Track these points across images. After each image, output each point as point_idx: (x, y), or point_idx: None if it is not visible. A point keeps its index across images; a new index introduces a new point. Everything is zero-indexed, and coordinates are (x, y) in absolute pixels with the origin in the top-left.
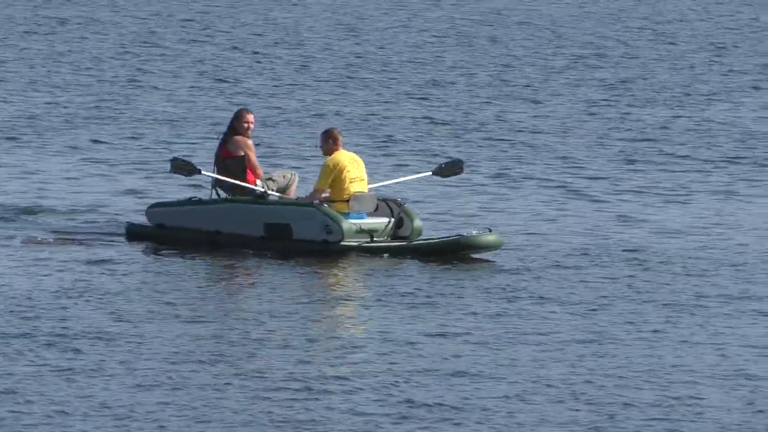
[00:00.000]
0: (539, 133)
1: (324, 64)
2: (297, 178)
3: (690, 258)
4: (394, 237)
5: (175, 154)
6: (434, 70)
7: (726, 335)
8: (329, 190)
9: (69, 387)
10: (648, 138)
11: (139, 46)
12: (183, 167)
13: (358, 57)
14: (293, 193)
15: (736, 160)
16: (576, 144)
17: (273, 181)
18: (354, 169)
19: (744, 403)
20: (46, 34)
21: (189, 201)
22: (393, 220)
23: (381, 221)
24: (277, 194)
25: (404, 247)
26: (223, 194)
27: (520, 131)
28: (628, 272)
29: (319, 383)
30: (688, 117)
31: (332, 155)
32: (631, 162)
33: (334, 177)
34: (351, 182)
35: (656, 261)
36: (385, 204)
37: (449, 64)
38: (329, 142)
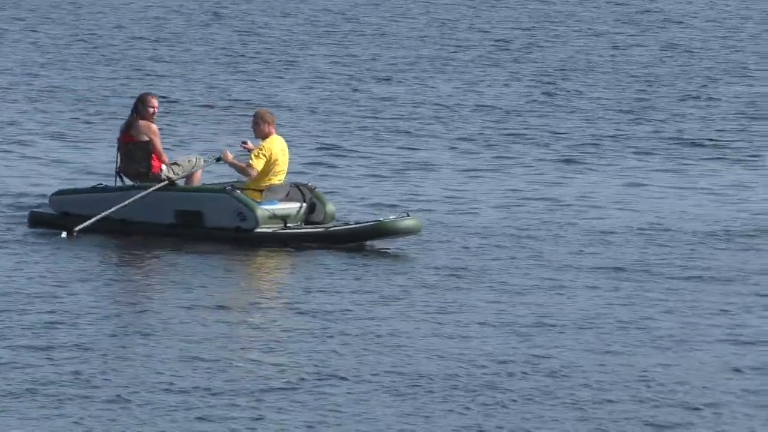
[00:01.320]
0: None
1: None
2: (203, 162)
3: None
4: (307, 222)
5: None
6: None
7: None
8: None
9: None
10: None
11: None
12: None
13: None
14: (199, 178)
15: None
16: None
17: (178, 165)
18: (282, 161)
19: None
20: None
21: (94, 188)
22: (305, 204)
23: (293, 206)
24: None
25: (321, 233)
26: (128, 181)
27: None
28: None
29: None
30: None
31: (269, 139)
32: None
33: (265, 165)
34: (275, 174)
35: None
36: (296, 188)
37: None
38: (265, 124)
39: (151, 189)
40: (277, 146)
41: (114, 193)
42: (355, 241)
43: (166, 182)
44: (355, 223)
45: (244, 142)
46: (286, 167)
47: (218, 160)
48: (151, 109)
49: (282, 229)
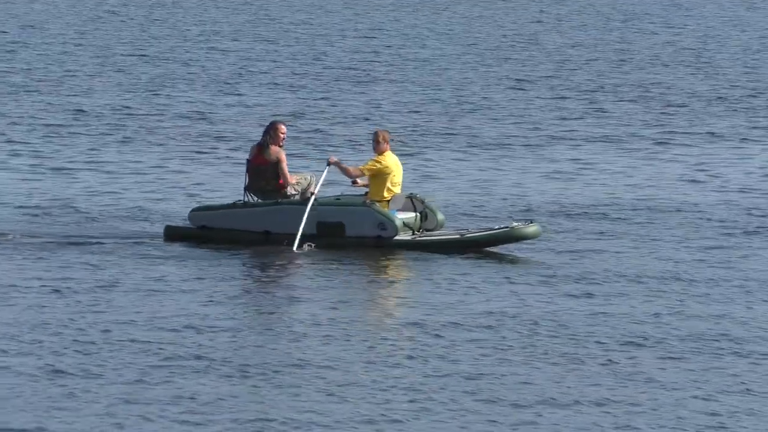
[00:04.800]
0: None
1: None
2: (314, 180)
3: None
4: (420, 229)
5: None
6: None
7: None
8: (367, 177)
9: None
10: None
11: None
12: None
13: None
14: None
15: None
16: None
17: (298, 184)
18: (398, 174)
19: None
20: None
21: (234, 204)
22: (418, 214)
23: (412, 215)
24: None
25: (458, 240)
26: (254, 198)
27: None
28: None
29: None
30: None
31: (384, 154)
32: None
33: (382, 177)
34: (393, 186)
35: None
36: (409, 200)
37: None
38: (381, 142)
39: (309, 203)
40: (391, 160)
41: (256, 209)
42: (488, 246)
43: (314, 197)
44: (489, 230)
45: (354, 182)
46: (401, 180)
47: (329, 164)
48: (282, 135)
49: (419, 236)
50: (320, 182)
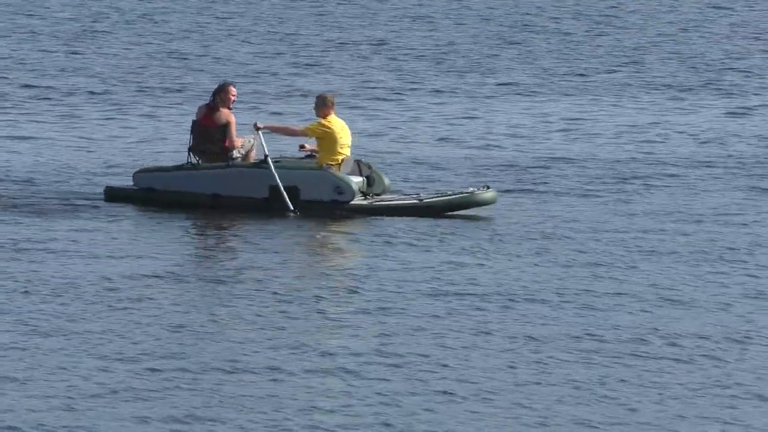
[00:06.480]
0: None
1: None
2: (256, 143)
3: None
4: (366, 194)
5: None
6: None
7: None
8: (313, 139)
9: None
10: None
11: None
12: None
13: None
14: (252, 157)
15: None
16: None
17: (242, 147)
18: (346, 137)
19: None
20: None
21: (182, 166)
22: (365, 178)
23: (359, 179)
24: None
25: (417, 205)
26: (196, 159)
27: None
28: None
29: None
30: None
31: (327, 118)
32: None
33: (330, 140)
34: (342, 148)
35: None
36: (356, 164)
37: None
38: (325, 105)
39: (271, 164)
40: (337, 123)
41: (205, 171)
42: (447, 211)
43: (263, 159)
44: (450, 195)
45: (302, 146)
46: (349, 142)
47: (257, 129)
48: (232, 98)
49: (372, 201)
50: (264, 144)
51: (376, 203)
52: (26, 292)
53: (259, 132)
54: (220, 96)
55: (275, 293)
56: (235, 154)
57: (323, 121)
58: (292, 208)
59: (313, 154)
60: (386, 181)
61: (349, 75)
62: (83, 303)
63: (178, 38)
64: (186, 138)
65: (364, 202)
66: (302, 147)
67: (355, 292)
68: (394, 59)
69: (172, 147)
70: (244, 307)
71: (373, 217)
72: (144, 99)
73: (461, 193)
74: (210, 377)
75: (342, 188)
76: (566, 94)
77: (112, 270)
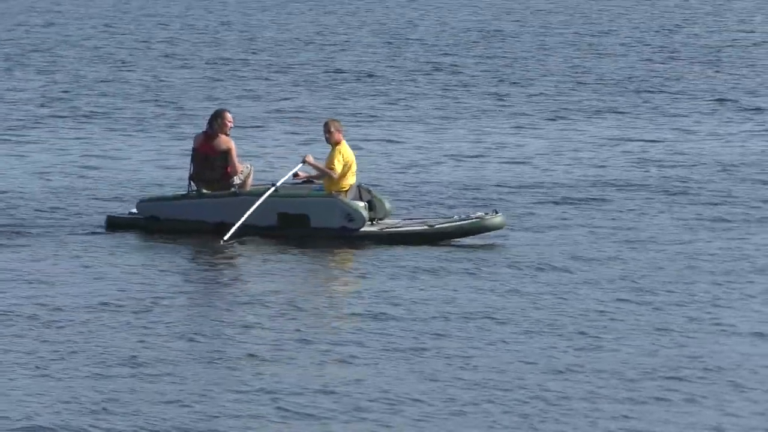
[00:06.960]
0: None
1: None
2: (253, 169)
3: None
4: (372, 220)
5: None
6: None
7: None
8: (308, 167)
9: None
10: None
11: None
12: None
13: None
14: (250, 183)
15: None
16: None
17: (241, 173)
18: (354, 164)
19: None
20: None
21: (186, 195)
22: (366, 203)
23: (362, 205)
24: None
25: (427, 231)
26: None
27: None
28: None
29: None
30: None
31: (341, 145)
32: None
33: (343, 168)
34: (352, 175)
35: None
36: (356, 189)
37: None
38: (336, 131)
39: (265, 195)
40: (348, 149)
41: (211, 200)
42: (457, 237)
43: (275, 188)
44: (459, 220)
45: (296, 175)
46: (356, 168)
47: (304, 162)
48: (229, 124)
49: (382, 228)
50: (287, 176)
51: (386, 230)
52: (31, 317)
53: (303, 164)
54: (217, 122)
55: (283, 319)
56: (236, 180)
57: (340, 149)
58: (226, 237)
59: (311, 180)
60: (387, 205)
61: (340, 98)
62: (85, 327)
63: (176, 66)
64: (180, 163)
65: (374, 229)
66: (296, 175)
67: (367, 318)
68: (382, 84)
69: (164, 174)
70: (251, 335)
71: (384, 244)
72: (126, 126)
73: (470, 218)
74: (213, 399)
75: (352, 215)
76: (552, 119)
77: (118, 294)
